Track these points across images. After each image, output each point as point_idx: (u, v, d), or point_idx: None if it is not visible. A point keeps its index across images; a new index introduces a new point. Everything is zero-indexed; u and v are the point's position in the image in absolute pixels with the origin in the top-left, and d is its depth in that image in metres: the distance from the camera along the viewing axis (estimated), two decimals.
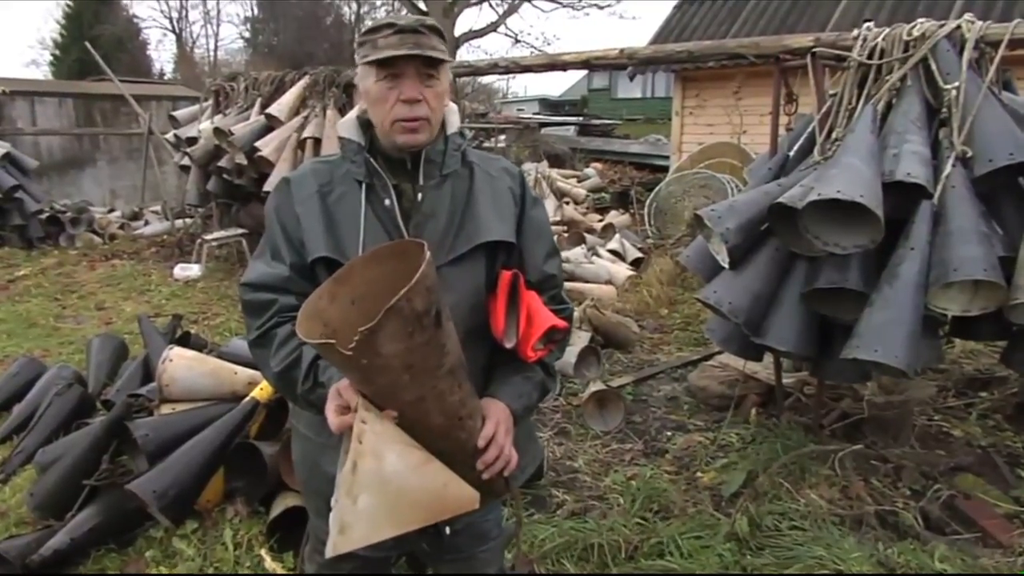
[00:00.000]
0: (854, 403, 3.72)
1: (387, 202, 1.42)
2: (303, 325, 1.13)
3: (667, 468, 3.46)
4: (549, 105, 26.62)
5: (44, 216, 9.56)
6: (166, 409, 3.16)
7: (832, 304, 2.86)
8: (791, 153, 3.14)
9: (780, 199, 2.72)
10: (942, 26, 2.81)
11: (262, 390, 3.05)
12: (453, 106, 1.52)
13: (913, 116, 2.75)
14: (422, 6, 19.09)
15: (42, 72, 28.31)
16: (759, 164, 3.52)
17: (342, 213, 1.42)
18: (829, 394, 3.78)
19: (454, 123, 1.51)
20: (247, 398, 3.05)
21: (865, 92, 2.95)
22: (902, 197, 2.63)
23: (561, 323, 1.44)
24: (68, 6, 26.85)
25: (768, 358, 3.69)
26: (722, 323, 3.24)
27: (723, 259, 2.99)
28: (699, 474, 3.37)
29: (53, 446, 3.26)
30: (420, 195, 1.43)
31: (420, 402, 1.18)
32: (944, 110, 2.76)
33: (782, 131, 3.42)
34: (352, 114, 1.52)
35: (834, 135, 2.96)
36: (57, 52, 27.02)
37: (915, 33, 2.87)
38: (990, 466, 3.41)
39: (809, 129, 3.11)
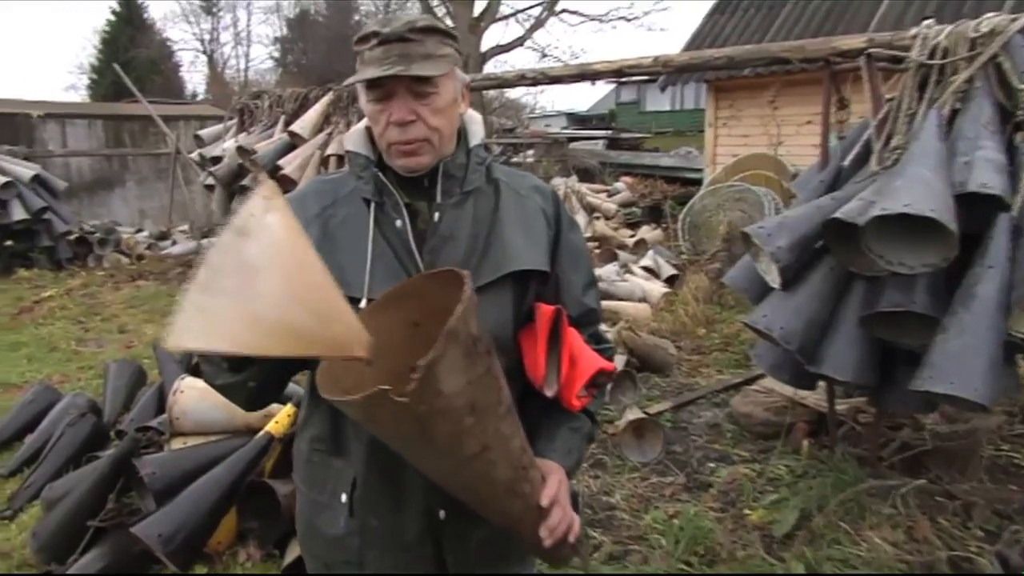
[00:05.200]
0: (914, 433, 3.43)
1: (398, 223, 1.22)
2: (325, 389, 0.96)
3: (711, 504, 3.20)
4: (577, 119, 26.51)
5: (73, 237, 9.57)
6: (177, 443, 2.99)
7: (895, 328, 2.59)
8: (845, 163, 2.89)
9: (837, 214, 2.47)
10: (1015, 20, 2.55)
11: (277, 423, 2.87)
12: (475, 115, 1.32)
13: (984, 120, 2.49)
14: (449, 22, 19.07)
15: (80, 96, 28.93)
16: (808, 176, 3.26)
17: (346, 237, 1.23)
18: (886, 422, 3.49)
19: (477, 134, 1.30)
20: (261, 432, 2.87)
21: (927, 96, 2.69)
22: (975, 210, 2.37)
23: (608, 365, 1.25)
24: (105, 32, 27.48)
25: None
26: (772, 349, 2.99)
27: (773, 280, 2.74)
28: (747, 511, 3.11)
29: (60, 481, 3.11)
30: (437, 214, 1.23)
31: (485, 452, 1.00)
32: (1020, 112, 2.50)
33: (832, 140, 3.18)
34: (360, 125, 1.33)
35: (893, 143, 2.70)
36: (94, 76, 27.60)
37: (983, 29, 2.61)
38: None
39: (865, 137, 2.86)
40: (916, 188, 2.26)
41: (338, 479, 1.25)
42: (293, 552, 2.57)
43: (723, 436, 3.94)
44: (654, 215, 10.97)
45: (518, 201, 1.31)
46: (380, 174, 1.24)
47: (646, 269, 7.46)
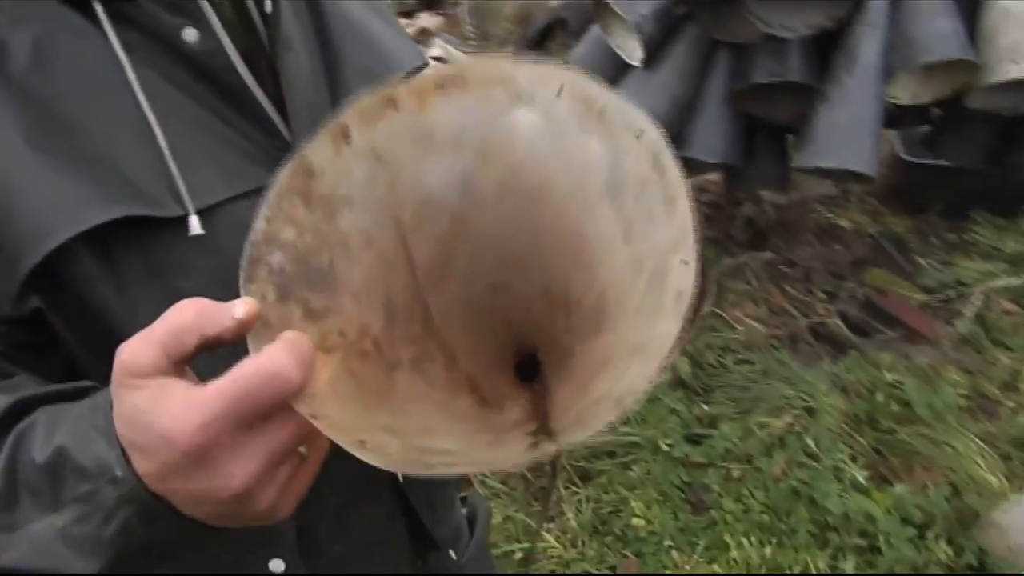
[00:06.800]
0: (756, 208, 3.45)
1: (190, 38, 0.58)
2: None
3: None
4: None
5: None
6: None
7: (765, 102, 2.40)
8: None
9: None
10: None
11: None
12: None
13: None
14: None
15: None
16: None
17: (75, 97, 0.56)
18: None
19: None
20: None
21: None
22: None
23: None
24: None
25: None
26: None
27: (634, 56, 2.40)
28: None
29: None
30: (269, 2, 0.64)
31: None
32: None
33: None
34: None
35: None
36: None
37: None
38: (885, 255, 3.32)
39: None
40: None
41: (246, 547, 0.68)
42: None
43: None
44: (429, 1, 10.08)
45: None
46: None
47: (436, 59, 6.85)
